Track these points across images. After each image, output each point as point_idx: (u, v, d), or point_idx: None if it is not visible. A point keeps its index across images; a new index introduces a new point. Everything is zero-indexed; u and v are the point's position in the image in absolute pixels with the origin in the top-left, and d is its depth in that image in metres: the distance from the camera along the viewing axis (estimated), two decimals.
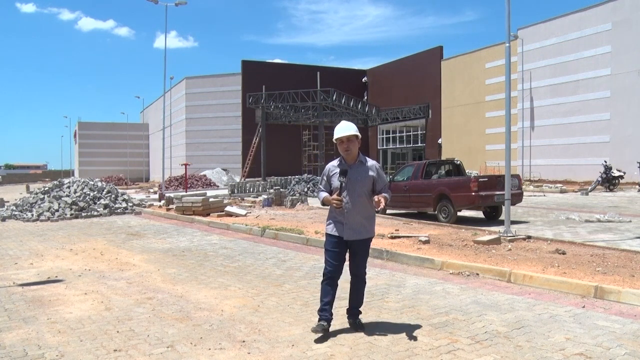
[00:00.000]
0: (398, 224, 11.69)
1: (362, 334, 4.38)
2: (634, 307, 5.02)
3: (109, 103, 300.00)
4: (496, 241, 8.41)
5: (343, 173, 4.27)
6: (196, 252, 9.09)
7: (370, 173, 4.36)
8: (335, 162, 4.45)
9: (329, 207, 4.48)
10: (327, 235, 4.45)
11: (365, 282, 4.57)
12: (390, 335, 4.35)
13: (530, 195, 20.80)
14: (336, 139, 4.37)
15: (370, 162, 4.45)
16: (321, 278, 4.49)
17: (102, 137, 74.51)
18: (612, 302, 5.21)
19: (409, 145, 49.82)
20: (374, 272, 6.90)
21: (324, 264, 4.50)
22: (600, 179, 23.73)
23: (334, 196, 4.26)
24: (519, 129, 35.71)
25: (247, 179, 37.31)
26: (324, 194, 4.46)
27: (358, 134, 4.37)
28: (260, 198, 20.45)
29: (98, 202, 17.20)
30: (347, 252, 4.45)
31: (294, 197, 18.64)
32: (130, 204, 18.09)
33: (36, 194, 17.93)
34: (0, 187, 59.64)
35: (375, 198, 4.25)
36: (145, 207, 18.87)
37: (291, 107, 41.32)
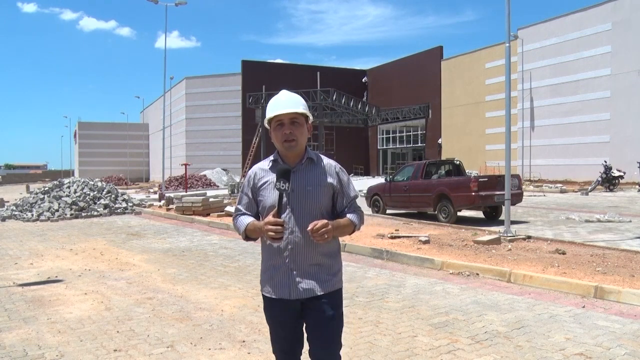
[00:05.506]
0: (398, 224, 11.69)
1: (362, 333, 4.36)
2: (634, 307, 5.02)
3: (109, 103, 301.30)
4: (496, 241, 8.42)
5: (283, 174, 2.31)
6: (196, 252, 9.10)
7: (328, 180, 2.46)
8: (264, 164, 2.58)
9: (258, 241, 2.55)
10: (263, 298, 2.53)
11: None
12: (390, 335, 4.35)
13: (530, 195, 20.79)
14: (270, 119, 2.47)
15: (327, 161, 2.54)
16: None
17: (102, 137, 74.47)
18: (612, 302, 5.21)
19: (409, 145, 49.83)
20: (373, 272, 6.89)
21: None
22: (600, 179, 23.71)
23: (269, 218, 2.29)
24: (519, 129, 35.70)
25: None
26: (247, 220, 2.46)
27: (308, 113, 2.48)
28: None
29: (98, 202, 17.20)
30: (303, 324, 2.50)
31: None
32: (130, 204, 18.09)
33: (36, 194, 17.92)
34: (0, 187, 59.60)
35: (317, 223, 2.26)
36: (145, 207, 18.86)
37: None
